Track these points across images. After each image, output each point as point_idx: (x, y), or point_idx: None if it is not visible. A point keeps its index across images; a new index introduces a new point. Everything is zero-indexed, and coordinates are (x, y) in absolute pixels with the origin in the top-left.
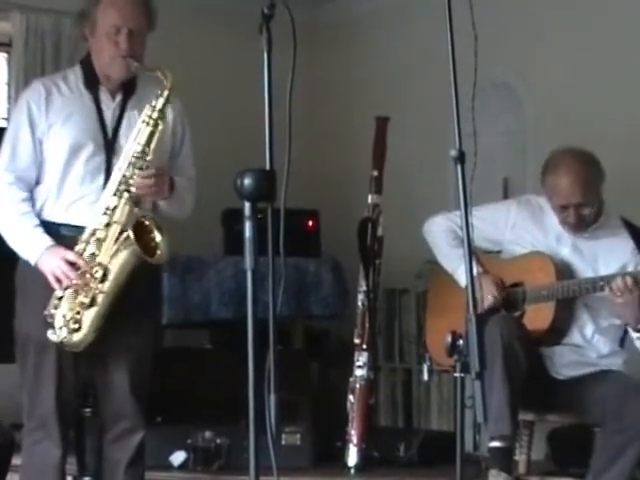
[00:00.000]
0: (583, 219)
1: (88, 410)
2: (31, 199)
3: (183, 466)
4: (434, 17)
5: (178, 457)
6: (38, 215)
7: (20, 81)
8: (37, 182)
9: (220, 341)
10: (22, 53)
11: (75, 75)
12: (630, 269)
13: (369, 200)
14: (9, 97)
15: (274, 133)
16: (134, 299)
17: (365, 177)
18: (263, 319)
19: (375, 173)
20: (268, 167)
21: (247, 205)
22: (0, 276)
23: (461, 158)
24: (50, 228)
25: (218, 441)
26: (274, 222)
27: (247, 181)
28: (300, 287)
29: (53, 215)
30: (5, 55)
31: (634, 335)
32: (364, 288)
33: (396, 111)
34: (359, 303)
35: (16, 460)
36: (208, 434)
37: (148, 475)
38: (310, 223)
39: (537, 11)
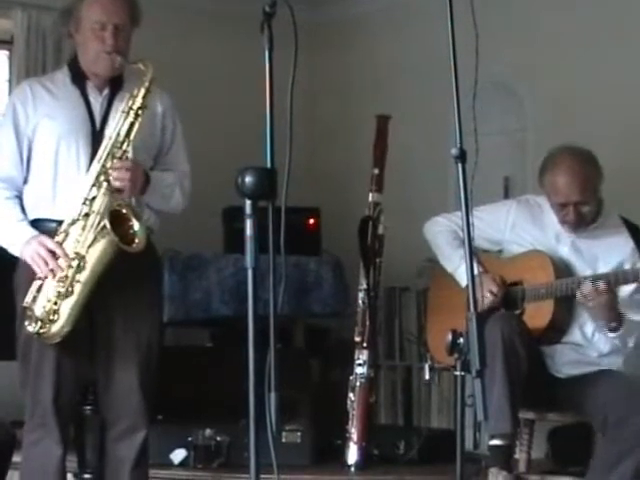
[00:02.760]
0: (583, 217)
1: (89, 408)
2: (17, 197)
3: (183, 464)
4: (435, 16)
5: (178, 455)
6: (34, 214)
7: (21, 79)
8: (25, 182)
9: (220, 339)
10: (23, 51)
11: (62, 74)
12: (627, 267)
13: (370, 198)
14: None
15: (275, 131)
16: (138, 296)
17: (366, 175)
18: (264, 317)
19: (376, 171)
20: (269, 165)
21: (248, 203)
22: (1, 276)
23: (462, 157)
24: (48, 226)
25: (218, 439)
26: (275, 220)
27: (248, 179)
28: (301, 285)
29: (50, 213)
30: (6, 53)
31: (610, 335)
32: (365, 286)
33: (397, 110)
34: (360, 301)
35: (17, 457)
36: (208, 432)
37: (149, 472)
38: (311, 221)
39: (538, 10)
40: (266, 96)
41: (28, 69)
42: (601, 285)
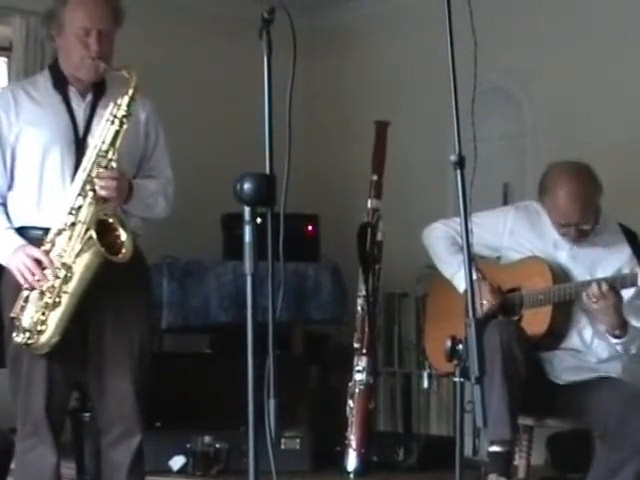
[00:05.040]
0: (583, 234)
1: (87, 414)
2: (2, 205)
3: (182, 471)
4: (434, 21)
5: (177, 462)
6: (19, 222)
7: None
8: (10, 188)
9: (219, 346)
10: (22, 57)
11: (44, 78)
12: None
13: (369, 205)
14: None
15: (274, 137)
16: (128, 302)
17: (365, 182)
18: (262, 324)
19: (375, 178)
20: (268, 171)
21: (247, 210)
22: None
23: (461, 163)
24: (34, 233)
25: (217, 446)
26: (274, 227)
27: (247, 185)
28: (299, 292)
29: (35, 220)
30: (5, 59)
31: (613, 341)
32: (363, 293)
33: (396, 116)
34: (358, 308)
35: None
36: (207, 439)
37: (146, 478)
38: (310, 228)
39: (537, 16)
40: (265, 102)
41: (27, 76)
42: (606, 287)
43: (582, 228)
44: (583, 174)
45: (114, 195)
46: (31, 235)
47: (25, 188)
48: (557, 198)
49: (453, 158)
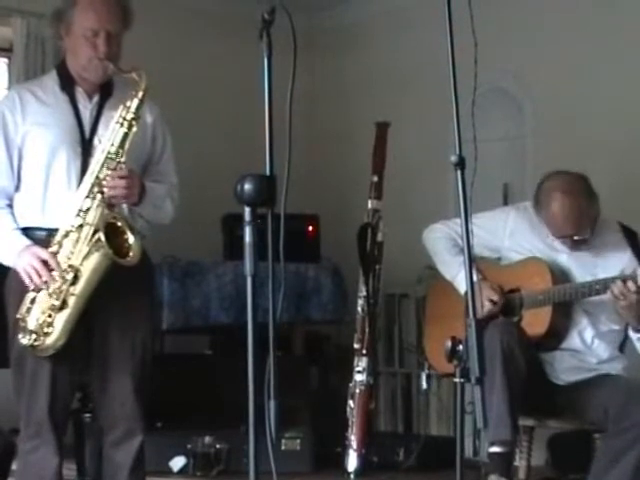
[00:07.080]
0: (580, 243)
1: (88, 415)
2: (9, 207)
3: (183, 471)
4: (434, 22)
5: (178, 462)
6: (24, 222)
7: None
8: (17, 189)
9: (220, 346)
10: (23, 58)
11: (51, 79)
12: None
13: (369, 205)
14: None
15: (274, 138)
16: (132, 303)
17: (365, 182)
18: (263, 324)
19: (375, 178)
20: (268, 172)
21: (247, 210)
22: None
23: (461, 164)
24: (38, 234)
25: (218, 446)
26: (274, 227)
27: (247, 186)
28: (300, 292)
29: (40, 221)
30: (6, 60)
31: (635, 336)
32: (364, 293)
33: (396, 116)
34: (359, 308)
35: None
36: (208, 439)
37: (146, 478)
38: (310, 228)
39: (537, 16)
40: (265, 102)
41: (27, 76)
42: (632, 284)
43: (579, 238)
44: (575, 188)
45: (123, 194)
46: (36, 236)
47: (31, 189)
48: (551, 213)
49: (453, 159)
